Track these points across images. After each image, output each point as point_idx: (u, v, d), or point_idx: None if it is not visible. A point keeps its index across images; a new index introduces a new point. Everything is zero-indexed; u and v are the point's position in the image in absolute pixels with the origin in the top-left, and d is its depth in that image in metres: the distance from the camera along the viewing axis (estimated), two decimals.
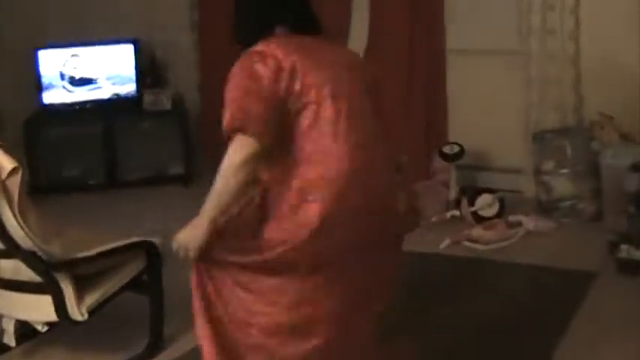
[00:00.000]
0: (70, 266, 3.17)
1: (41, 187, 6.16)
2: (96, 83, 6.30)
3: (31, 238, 3.01)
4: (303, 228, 2.45)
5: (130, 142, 6.23)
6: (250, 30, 2.71)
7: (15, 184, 2.94)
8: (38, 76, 6.18)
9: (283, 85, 2.50)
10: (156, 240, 3.55)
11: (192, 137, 6.32)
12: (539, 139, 5.07)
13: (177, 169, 6.29)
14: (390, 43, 5.73)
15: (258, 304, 2.51)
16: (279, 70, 2.50)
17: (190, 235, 2.51)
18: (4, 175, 2.91)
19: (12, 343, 3.44)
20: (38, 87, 6.19)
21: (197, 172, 6.22)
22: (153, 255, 3.52)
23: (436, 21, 5.60)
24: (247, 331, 2.53)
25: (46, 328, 3.36)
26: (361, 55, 5.34)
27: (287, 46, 2.59)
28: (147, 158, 6.28)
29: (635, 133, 4.96)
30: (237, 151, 2.45)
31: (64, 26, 6.23)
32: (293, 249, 2.45)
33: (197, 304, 2.59)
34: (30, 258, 3.04)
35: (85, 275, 3.30)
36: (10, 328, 3.42)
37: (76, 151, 6.21)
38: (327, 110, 2.52)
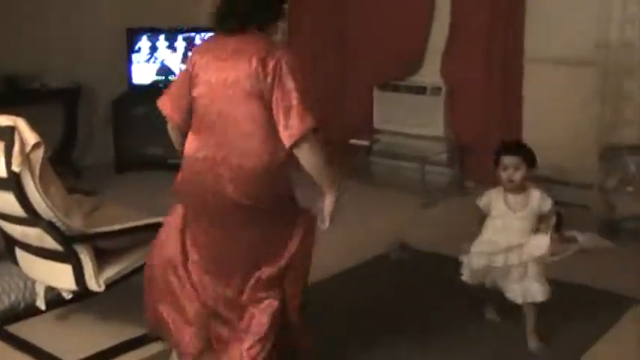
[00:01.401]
0: (89, 239, 3.33)
1: (126, 164, 6.47)
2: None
3: (51, 210, 3.18)
4: None
5: None
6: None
7: (37, 157, 3.12)
8: (129, 57, 6.47)
9: None
10: None
11: None
12: (606, 154, 4.91)
13: None
14: (469, 48, 5.71)
15: None
16: None
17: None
18: (27, 149, 3.10)
19: (42, 306, 3.65)
20: (128, 67, 6.48)
21: None
22: None
23: (516, 28, 5.51)
24: None
25: (70, 296, 3.55)
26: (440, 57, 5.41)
27: None
28: None
29: None
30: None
31: (155, 10, 6.46)
32: None
33: None
34: (50, 228, 3.22)
35: (107, 249, 3.47)
36: (41, 292, 3.63)
37: (160, 131, 6.44)
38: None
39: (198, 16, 6.42)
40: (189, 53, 3.34)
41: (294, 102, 2.80)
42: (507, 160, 3.51)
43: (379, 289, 4.20)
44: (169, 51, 6.54)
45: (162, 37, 6.51)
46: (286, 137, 2.82)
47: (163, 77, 6.55)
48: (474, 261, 3.56)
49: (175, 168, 6.44)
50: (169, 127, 3.27)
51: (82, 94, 6.41)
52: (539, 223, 3.54)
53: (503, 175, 3.51)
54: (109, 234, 3.42)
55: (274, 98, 2.82)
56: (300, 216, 3.06)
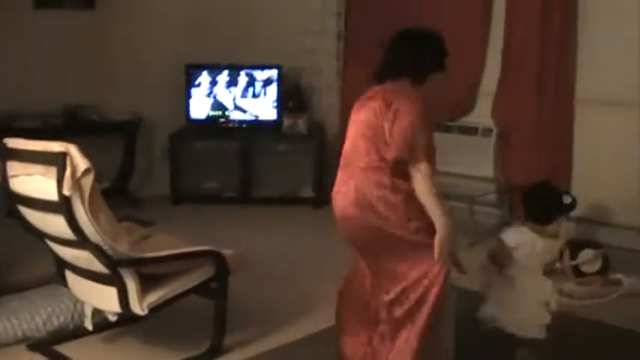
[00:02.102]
0: (134, 263, 3.46)
1: (182, 196, 6.65)
2: (240, 104, 6.70)
3: (99, 234, 3.33)
4: None
5: (265, 162, 6.59)
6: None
7: (87, 183, 3.27)
8: (188, 92, 6.67)
9: None
10: (226, 252, 3.79)
11: (327, 162, 6.56)
12: None
13: (308, 191, 6.59)
14: (520, 90, 5.75)
15: None
16: None
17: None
18: (78, 174, 3.25)
19: (89, 327, 3.79)
20: (186, 102, 6.68)
21: (327, 196, 6.44)
22: (221, 265, 3.75)
23: (567, 70, 5.53)
24: None
25: (115, 318, 3.68)
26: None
27: None
28: (280, 178, 6.62)
29: None
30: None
31: (214, 47, 6.65)
32: None
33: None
34: (97, 251, 3.36)
35: (152, 274, 3.59)
36: (88, 312, 3.77)
37: (216, 165, 6.65)
38: None
39: (255, 54, 6.66)
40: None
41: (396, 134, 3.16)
42: None
43: None
44: (228, 87, 6.70)
45: (224, 73, 6.68)
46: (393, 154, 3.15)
47: (220, 112, 6.73)
48: None
49: (230, 201, 6.67)
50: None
51: (141, 126, 6.62)
52: None
53: None
54: (154, 260, 3.55)
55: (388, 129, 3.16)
56: None
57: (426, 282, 3.14)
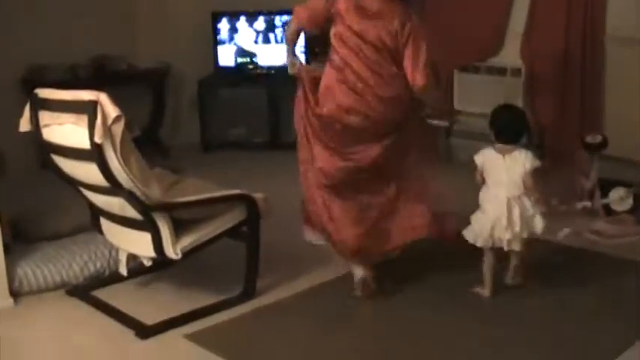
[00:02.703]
0: (166, 208, 3.52)
1: (211, 144, 6.69)
2: (267, 50, 6.69)
3: (132, 180, 3.37)
4: None
5: (292, 107, 6.57)
6: None
7: (118, 130, 3.30)
8: (215, 40, 6.67)
9: None
10: (257, 195, 3.83)
11: None
12: None
13: None
14: (548, 29, 5.68)
15: None
16: None
17: None
18: (109, 122, 3.28)
19: (124, 272, 3.86)
20: (214, 50, 6.68)
21: None
22: (252, 209, 3.79)
23: (597, 6, 5.44)
24: None
25: (150, 263, 3.75)
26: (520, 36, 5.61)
27: None
28: None
29: None
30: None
31: None
32: None
33: None
34: (130, 197, 3.41)
35: (185, 219, 3.65)
36: (123, 258, 3.84)
37: (244, 112, 6.67)
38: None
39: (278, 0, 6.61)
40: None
41: (421, 61, 3.66)
42: None
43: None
44: (249, 33, 6.69)
45: (242, 19, 6.66)
46: (414, 85, 3.69)
47: (248, 59, 6.73)
48: None
49: (259, 147, 6.68)
50: (294, 25, 3.99)
51: (169, 75, 6.64)
52: None
53: None
54: (186, 204, 3.60)
55: (407, 53, 3.66)
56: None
57: None
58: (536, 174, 3.74)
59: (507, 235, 3.68)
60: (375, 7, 3.71)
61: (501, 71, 6.05)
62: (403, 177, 3.93)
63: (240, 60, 6.74)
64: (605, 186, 4.91)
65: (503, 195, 3.70)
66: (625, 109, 5.41)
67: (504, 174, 3.72)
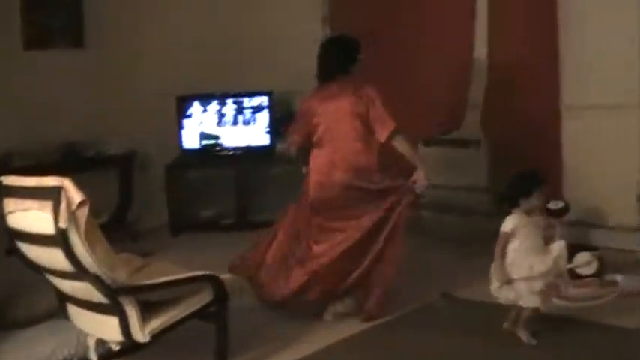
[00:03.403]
0: (133, 291, 3.52)
1: (180, 226, 6.71)
2: (233, 132, 6.79)
3: (97, 264, 3.39)
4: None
5: (260, 187, 6.66)
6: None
7: (83, 215, 3.33)
8: (180, 123, 6.76)
9: None
10: (224, 276, 3.86)
11: None
12: None
13: None
14: (505, 100, 5.83)
15: None
16: None
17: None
18: (74, 207, 3.31)
19: (94, 358, 3.83)
20: (179, 133, 6.77)
21: None
22: (219, 289, 3.81)
23: (551, 77, 5.61)
24: None
25: (118, 347, 3.72)
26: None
27: None
28: (276, 203, 6.64)
29: None
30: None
31: (205, 76, 6.75)
32: None
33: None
34: (96, 281, 3.41)
35: (152, 302, 3.65)
36: (91, 344, 3.82)
37: (212, 193, 6.73)
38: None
39: (246, 82, 6.74)
40: (298, 102, 5.11)
41: (383, 115, 4.47)
42: None
43: (422, 337, 4.28)
44: (219, 116, 6.80)
45: (214, 102, 6.78)
46: (384, 135, 4.46)
47: (213, 141, 6.81)
48: None
49: (228, 228, 6.70)
50: (292, 146, 4.84)
51: (136, 160, 6.70)
52: None
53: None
54: (153, 286, 3.61)
55: (370, 115, 4.46)
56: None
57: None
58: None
59: None
60: (334, 89, 4.53)
61: (463, 143, 6.17)
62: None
63: (205, 142, 6.82)
64: (570, 250, 4.97)
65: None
66: (584, 175, 5.53)
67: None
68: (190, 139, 6.82)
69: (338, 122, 4.49)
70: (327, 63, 4.60)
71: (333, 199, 4.50)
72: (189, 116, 6.78)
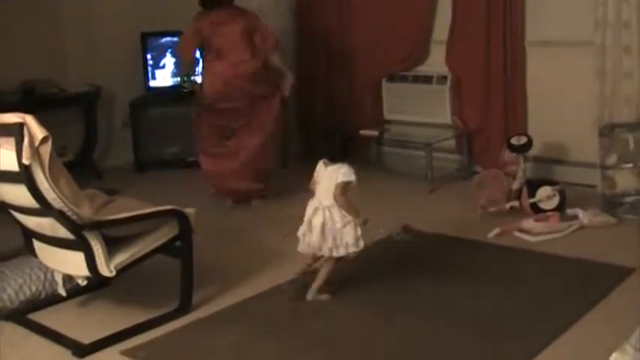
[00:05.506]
0: (97, 226, 3.53)
1: (146, 164, 6.69)
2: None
3: (61, 199, 3.38)
4: None
5: None
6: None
7: (46, 151, 3.32)
8: (144, 60, 6.69)
9: None
10: (189, 210, 3.87)
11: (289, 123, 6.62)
12: (606, 132, 4.99)
13: None
14: (470, 36, 5.85)
15: None
16: None
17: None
18: (36, 143, 3.30)
19: (63, 293, 3.87)
20: (145, 71, 6.70)
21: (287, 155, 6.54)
22: (184, 224, 3.83)
23: (515, 14, 5.62)
24: None
25: (85, 282, 3.75)
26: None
27: None
28: None
29: None
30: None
31: (169, 13, 6.67)
32: None
33: None
34: (61, 217, 3.42)
35: (117, 237, 3.67)
36: (59, 280, 3.85)
37: (177, 131, 6.69)
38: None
39: None
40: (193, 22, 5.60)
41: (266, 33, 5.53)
42: None
43: (381, 268, 4.36)
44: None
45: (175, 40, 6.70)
46: (267, 49, 5.50)
47: (179, 79, 6.77)
48: None
49: (192, 165, 6.71)
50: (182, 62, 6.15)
51: (100, 97, 6.64)
52: None
53: None
54: (117, 221, 3.62)
55: (256, 36, 5.47)
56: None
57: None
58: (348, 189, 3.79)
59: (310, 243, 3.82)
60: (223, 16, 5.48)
61: (427, 79, 6.19)
62: None
63: (170, 80, 6.77)
64: (533, 185, 5.07)
65: (312, 204, 3.83)
66: (547, 110, 5.59)
67: (321, 184, 3.83)
68: (162, 78, 6.77)
69: (233, 40, 5.41)
70: None
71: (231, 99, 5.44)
72: (151, 53, 6.72)
